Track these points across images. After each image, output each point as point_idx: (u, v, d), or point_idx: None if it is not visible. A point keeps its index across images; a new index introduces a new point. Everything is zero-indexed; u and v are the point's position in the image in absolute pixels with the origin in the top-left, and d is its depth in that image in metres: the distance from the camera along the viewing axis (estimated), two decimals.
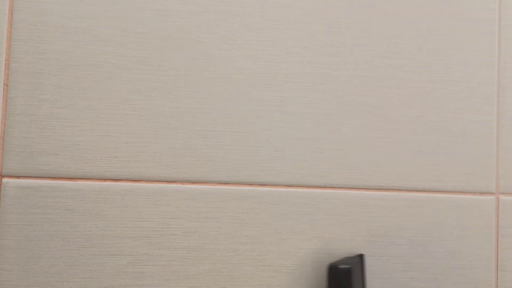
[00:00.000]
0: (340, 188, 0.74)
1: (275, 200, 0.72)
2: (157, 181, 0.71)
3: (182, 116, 0.72)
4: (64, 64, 0.70)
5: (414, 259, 0.74)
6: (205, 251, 0.71)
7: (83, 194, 0.69)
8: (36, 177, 0.69)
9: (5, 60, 0.69)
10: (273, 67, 0.73)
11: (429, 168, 0.75)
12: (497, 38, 0.78)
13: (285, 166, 0.73)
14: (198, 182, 0.71)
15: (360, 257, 0.71)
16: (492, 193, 0.76)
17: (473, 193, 0.76)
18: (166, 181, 0.71)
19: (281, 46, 0.74)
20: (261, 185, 0.72)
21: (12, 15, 0.70)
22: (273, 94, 0.73)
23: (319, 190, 0.73)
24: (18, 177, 0.69)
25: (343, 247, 0.73)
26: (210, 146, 0.72)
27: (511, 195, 0.76)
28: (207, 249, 0.71)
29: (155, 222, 0.70)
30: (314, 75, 0.74)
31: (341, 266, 0.62)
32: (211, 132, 0.72)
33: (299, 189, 0.73)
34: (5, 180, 0.68)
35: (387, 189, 0.74)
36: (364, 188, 0.74)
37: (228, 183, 0.72)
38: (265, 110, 0.73)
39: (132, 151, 0.71)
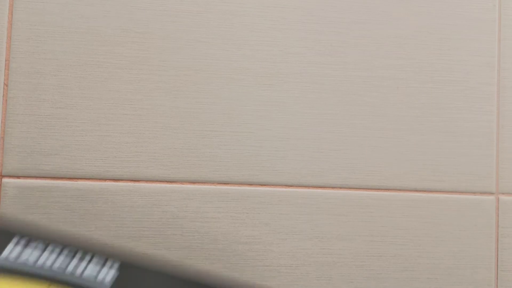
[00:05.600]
0: (340, 188, 0.74)
1: (275, 200, 0.72)
2: (157, 181, 0.71)
3: (182, 116, 0.72)
4: (64, 64, 0.70)
5: (414, 259, 0.74)
6: (205, 251, 0.71)
7: (83, 194, 0.69)
8: (36, 177, 0.69)
9: (5, 60, 0.69)
10: (273, 67, 0.73)
11: (429, 168, 0.75)
12: (497, 38, 0.78)
13: (285, 166, 0.73)
14: (198, 182, 0.71)
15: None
16: (492, 193, 0.76)
17: (473, 193, 0.76)
18: (166, 181, 0.71)
19: (281, 46, 0.74)
20: (261, 185, 0.72)
21: (12, 15, 0.70)
22: (273, 94, 0.73)
23: (319, 190, 0.73)
24: (18, 177, 0.69)
25: (343, 247, 0.73)
26: (210, 146, 0.72)
27: (511, 195, 0.76)
28: (207, 249, 0.71)
29: (155, 222, 0.70)
30: (314, 75, 0.74)
31: None
32: (211, 132, 0.72)
33: (299, 189, 0.73)
34: (5, 180, 0.68)
35: (387, 189, 0.74)
36: (364, 188, 0.74)
37: (228, 183, 0.72)
38: (265, 110, 0.73)
39: (132, 151, 0.71)
